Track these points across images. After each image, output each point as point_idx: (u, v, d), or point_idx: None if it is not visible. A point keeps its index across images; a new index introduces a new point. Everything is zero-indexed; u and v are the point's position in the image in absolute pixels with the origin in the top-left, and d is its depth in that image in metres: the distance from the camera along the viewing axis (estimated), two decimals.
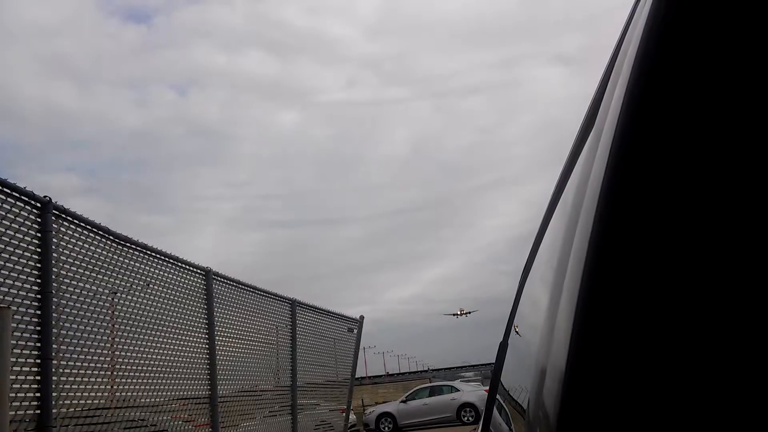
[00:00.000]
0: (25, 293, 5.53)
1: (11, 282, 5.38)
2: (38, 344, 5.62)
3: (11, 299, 5.36)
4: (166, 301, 8.15)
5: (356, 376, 17.17)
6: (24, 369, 5.45)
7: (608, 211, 0.64)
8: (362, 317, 16.31)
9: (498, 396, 2.04)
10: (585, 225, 0.68)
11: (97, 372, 6.53)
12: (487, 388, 3.34)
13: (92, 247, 6.61)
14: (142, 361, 7.48)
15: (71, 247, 6.27)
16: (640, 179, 0.61)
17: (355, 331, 15.99)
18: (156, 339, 7.82)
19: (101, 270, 6.74)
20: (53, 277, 5.85)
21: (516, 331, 1.90)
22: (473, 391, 26.42)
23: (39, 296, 5.69)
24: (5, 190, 5.39)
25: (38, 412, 5.54)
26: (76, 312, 6.24)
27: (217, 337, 9.38)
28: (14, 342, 5.15)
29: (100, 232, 6.74)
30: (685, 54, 0.60)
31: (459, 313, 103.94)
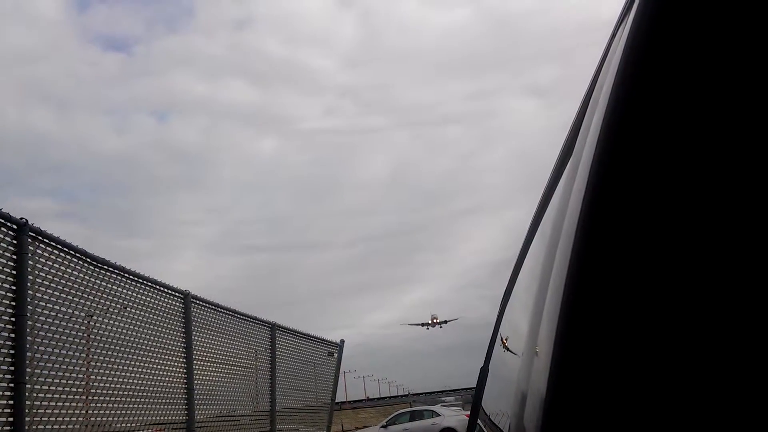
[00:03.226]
0: None
1: None
2: (11, 368, 5.52)
3: None
4: (143, 324, 8.05)
5: (336, 401, 17.01)
6: None
7: (586, 238, 0.65)
8: (343, 341, 16.22)
9: (479, 421, 2.03)
10: (564, 252, 0.70)
11: (71, 396, 6.41)
12: (468, 413, 3.33)
13: (69, 270, 6.53)
14: (118, 385, 7.36)
15: (47, 269, 6.18)
16: (617, 209, 0.62)
17: (336, 355, 15.88)
18: (132, 362, 7.70)
19: (77, 293, 6.65)
20: (28, 300, 5.76)
21: (496, 357, 1.91)
22: (454, 416, 26.25)
23: (13, 319, 5.59)
24: None
25: None
26: (51, 335, 6.14)
27: (195, 361, 9.27)
28: None
29: (77, 255, 6.66)
30: (662, 87, 0.62)
31: (431, 323, 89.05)
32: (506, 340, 1.63)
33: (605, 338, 0.60)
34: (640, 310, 0.59)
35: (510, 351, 1.37)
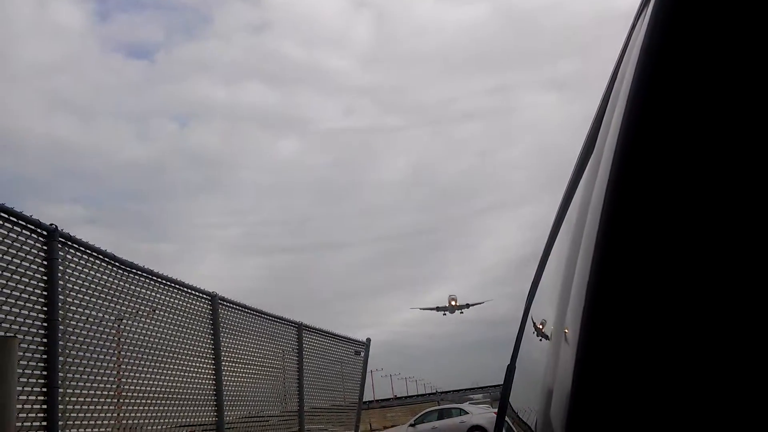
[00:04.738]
0: (31, 321, 5.54)
1: (17, 311, 5.39)
2: (44, 373, 5.61)
3: (17, 328, 5.36)
4: (171, 326, 8.13)
5: (364, 400, 17.04)
6: (30, 398, 5.43)
7: (611, 232, 0.65)
8: (369, 340, 16.24)
9: (507, 418, 2.03)
10: (587, 248, 0.69)
11: (103, 400, 6.51)
12: (497, 410, 3.32)
13: (98, 274, 6.62)
14: (148, 388, 7.45)
15: (77, 274, 6.28)
16: (641, 202, 0.62)
17: (362, 353, 15.91)
18: (162, 365, 7.79)
19: (107, 296, 6.75)
20: (59, 304, 5.85)
21: (523, 354, 1.90)
22: (482, 414, 26.17)
23: (45, 324, 5.69)
24: (12, 218, 5.42)
25: None
26: (82, 339, 6.24)
27: (223, 363, 9.34)
28: (20, 371, 5.14)
29: (105, 259, 6.76)
30: (682, 79, 0.61)
31: (448, 306, 70.81)
32: (533, 336, 1.62)
33: (631, 335, 0.60)
34: (668, 306, 0.58)
35: (536, 348, 1.37)
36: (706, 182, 0.58)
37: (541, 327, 1.38)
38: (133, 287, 7.32)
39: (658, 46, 0.64)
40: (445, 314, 72.14)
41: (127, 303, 7.17)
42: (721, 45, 0.60)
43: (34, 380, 5.50)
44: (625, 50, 0.84)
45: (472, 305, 71.71)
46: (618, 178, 0.65)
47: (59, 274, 5.91)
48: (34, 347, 5.56)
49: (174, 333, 8.16)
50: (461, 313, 71.87)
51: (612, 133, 0.70)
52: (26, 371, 5.37)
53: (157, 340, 7.73)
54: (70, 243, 6.13)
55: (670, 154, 0.60)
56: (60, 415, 5.71)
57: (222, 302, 9.61)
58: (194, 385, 8.59)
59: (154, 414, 7.51)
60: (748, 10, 0.59)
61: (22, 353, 5.22)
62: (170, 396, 7.89)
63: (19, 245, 5.48)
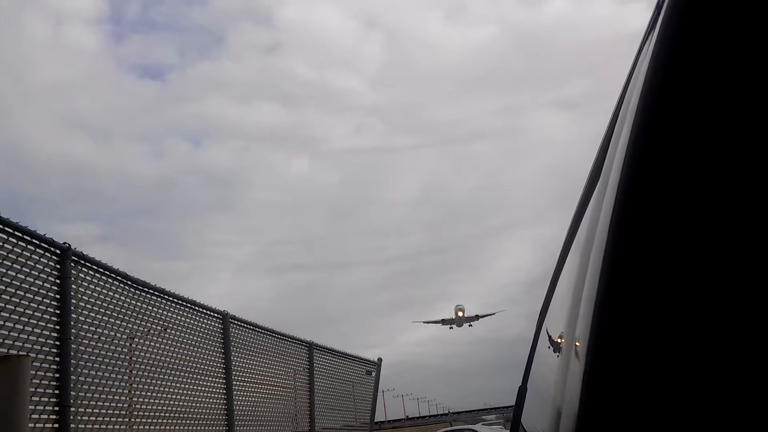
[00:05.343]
0: (44, 340, 5.56)
1: (30, 329, 5.41)
2: (57, 392, 5.63)
3: (30, 346, 5.38)
4: (183, 345, 8.14)
5: (375, 420, 16.92)
6: (42, 417, 5.44)
7: (619, 253, 0.64)
8: (380, 359, 16.16)
9: None
10: (595, 268, 0.69)
11: (115, 419, 6.50)
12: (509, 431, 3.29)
13: (110, 293, 6.66)
14: (159, 407, 7.44)
15: (89, 292, 6.31)
16: (649, 222, 0.62)
17: (374, 373, 15.82)
18: (173, 384, 7.79)
19: (119, 315, 6.77)
20: (71, 323, 5.88)
21: (535, 375, 1.88)
22: None
23: (57, 343, 5.71)
24: (26, 237, 5.47)
25: None
26: (94, 358, 6.25)
27: (234, 382, 9.33)
28: (33, 390, 5.16)
29: (118, 278, 6.79)
30: (688, 101, 0.61)
31: (455, 318, 60.60)
32: (544, 358, 1.61)
33: (641, 355, 0.59)
34: (676, 330, 0.58)
35: (547, 369, 1.35)
36: (715, 203, 0.58)
37: (551, 348, 1.37)
38: (145, 306, 7.34)
39: (664, 69, 0.64)
40: (451, 328, 62.85)
41: (139, 321, 7.19)
42: (727, 68, 0.60)
43: (47, 399, 5.51)
44: (633, 71, 0.85)
45: (482, 317, 62.76)
46: (625, 197, 0.65)
47: (72, 293, 5.94)
48: (47, 366, 5.58)
49: (185, 351, 8.16)
50: (470, 326, 62.43)
51: (619, 154, 0.71)
52: (38, 390, 5.39)
53: (168, 359, 7.73)
54: (82, 262, 6.17)
55: (678, 174, 0.60)
56: None
57: (233, 321, 9.62)
58: (205, 404, 8.57)
59: None
60: (752, 34, 0.59)
61: (34, 372, 5.24)
62: (182, 415, 7.87)
63: (32, 264, 5.53)
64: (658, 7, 0.73)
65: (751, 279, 0.56)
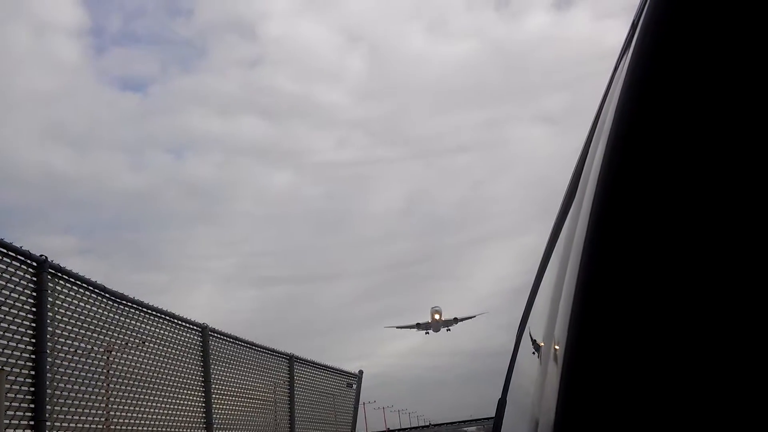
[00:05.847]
0: (19, 353, 5.47)
1: (5, 342, 5.33)
2: (32, 406, 5.54)
3: (5, 360, 5.29)
4: (162, 358, 8.06)
5: None
6: (18, 431, 5.35)
7: (597, 262, 0.65)
8: (361, 372, 16.10)
9: None
10: (571, 280, 0.70)
11: None
12: None
13: (87, 305, 6.57)
14: (137, 421, 7.35)
15: (66, 305, 6.23)
16: (624, 235, 0.63)
17: (355, 386, 15.75)
18: (151, 397, 7.70)
19: (96, 328, 6.69)
20: (48, 336, 5.80)
21: (514, 387, 1.89)
22: None
23: (33, 356, 5.63)
24: (1, 249, 5.39)
25: None
26: (70, 371, 6.16)
27: (213, 395, 9.24)
28: (8, 404, 5.07)
29: (95, 290, 6.71)
30: (660, 118, 0.63)
31: (431, 322, 55.59)
32: (522, 370, 1.62)
33: (617, 367, 0.60)
34: (652, 339, 0.59)
35: (525, 381, 1.36)
36: (686, 215, 0.60)
37: (529, 359, 1.38)
38: (123, 318, 7.26)
39: (638, 86, 0.66)
40: (427, 333, 57.43)
41: (116, 334, 7.11)
42: (700, 88, 0.61)
43: (22, 413, 5.42)
44: (608, 89, 0.86)
45: (462, 320, 57.78)
46: (601, 209, 0.66)
47: (48, 306, 5.86)
48: (22, 379, 5.49)
49: (164, 365, 8.07)
50: (448, 330, 57.58)
51: (595, 168, 0.72)
52: (14, 404, 5.30)
53: (146, 372, 7.64)
54: (59, 274, 6.10)
55: (650, 188, 0.62)
56: None
57: (212, 334, 9.54)
58: (184, 418, 8.48)
59: None
60: (726, 56, 0.60)
61: (9, 386, 5.15)
62: (160, 429, 7.77)
63: (8, 276, 5.45)
64: (633, 27, 0.75)
65: (726, 290, 0.57)
